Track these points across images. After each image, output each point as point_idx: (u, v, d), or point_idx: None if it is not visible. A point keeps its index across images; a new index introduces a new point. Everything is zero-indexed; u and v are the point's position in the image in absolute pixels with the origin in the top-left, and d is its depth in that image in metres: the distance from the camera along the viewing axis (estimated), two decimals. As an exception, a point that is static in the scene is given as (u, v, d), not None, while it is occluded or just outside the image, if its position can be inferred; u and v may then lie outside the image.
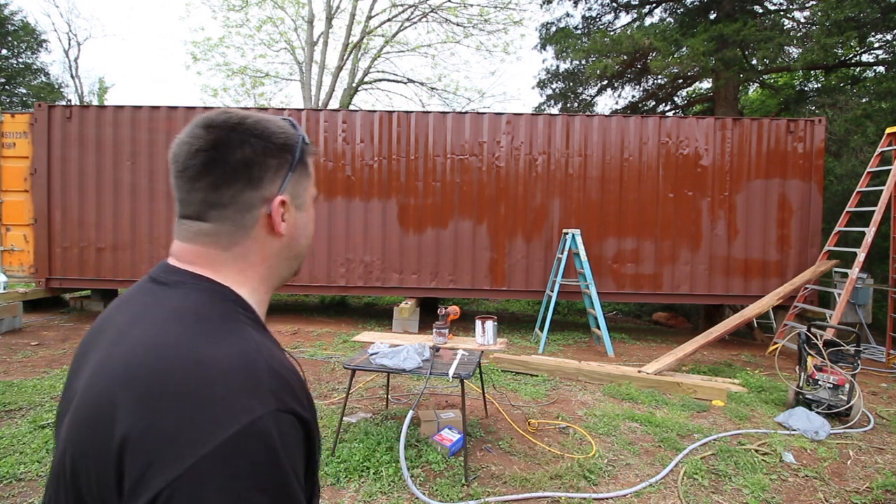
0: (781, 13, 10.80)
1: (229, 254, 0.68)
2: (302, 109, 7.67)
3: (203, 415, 0.50)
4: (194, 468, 0.48)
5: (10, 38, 15.58)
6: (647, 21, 12.04)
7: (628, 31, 10.69)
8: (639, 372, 5.03)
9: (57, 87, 18.05)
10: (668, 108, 14.00)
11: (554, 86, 13.75)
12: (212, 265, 0.67)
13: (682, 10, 11.69)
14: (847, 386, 4.08)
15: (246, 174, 0.66)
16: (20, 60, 16.48)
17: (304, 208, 0.74)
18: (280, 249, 0.72)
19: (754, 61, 10.71)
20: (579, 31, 12.46)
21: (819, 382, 4.20)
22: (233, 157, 0.65)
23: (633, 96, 13.85)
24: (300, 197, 0.73)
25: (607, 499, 2.82)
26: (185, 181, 0.66)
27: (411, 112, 7.61)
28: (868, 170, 6.51)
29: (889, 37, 9.55)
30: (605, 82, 12.94)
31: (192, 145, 0.65)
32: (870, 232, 5.83)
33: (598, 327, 6.33)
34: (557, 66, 13.35)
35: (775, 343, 6.51)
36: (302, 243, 0.75)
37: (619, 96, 13.86)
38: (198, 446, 0.48)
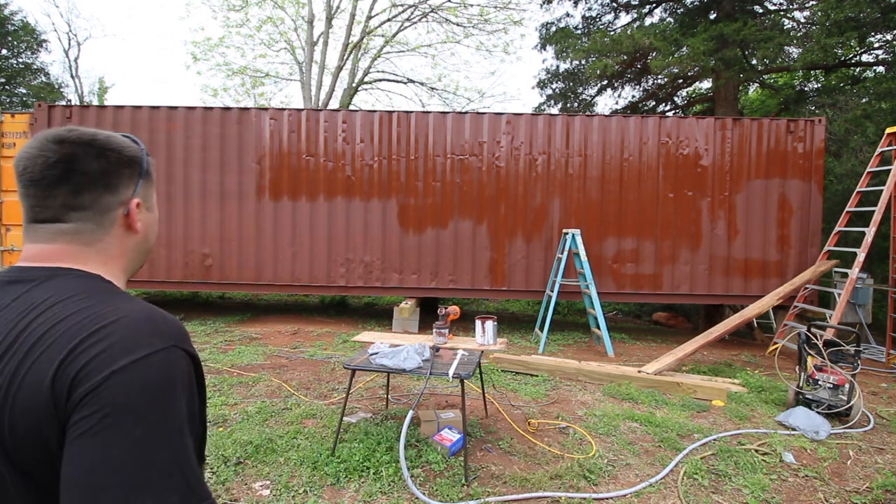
0: (781, 13, 10.80)
1: (92, 248, 0.79)
2: (302, 109, 7.67)
3: (121, 347, 0.66)
4: (110, 377, 0.64)
5: (10, 38, 15.57)
6: (647, 21, 12.04)
7: (628, 31, 10.69)
8: (639, 372, 5.03)
9: (57, 87, 18.04)
10: (668, 108, 14.00)
11: (554, 86, 13.75)
12: (77, 259, 0.78)
13: (682, 10, 11.69)
14: (847, 386, 4.08)
15: (104, 181, 0.78)
16: (20, 60, 16.46)
17: (152, 210, 0.90)
18: (136, 244, 0.86)
19: (754, 61, 10.71)
20: (579, 31, 12.46)
21: (819, 382, 4.20)
22: (91, 167, 0.77)
23: (633, 96, 13.85)
24: (149, 200, 0.88)
25: (607, 499, 2.82)
26: (41, 189, 0.75)
27: (411, 112, 7.61)
28: (868, 170, 6.51)
29: (889, 37, 9.55)
30: (605, 82, 12.94)
31: (47, 158, 0.75)
32: (870, 232, 5.83)
33: (598, 327, 6.33)
34: (557, 66, 13.35)
35: (775, 343, 6.51)
36: (152, 239, 0.91)
37: (619, 96, 13.87)
38: (113, 364, 0.64)
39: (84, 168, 0.76)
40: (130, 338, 0.67)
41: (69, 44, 19.87)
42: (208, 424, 2.81)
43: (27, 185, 0.76)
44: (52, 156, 0.75)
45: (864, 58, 10.45)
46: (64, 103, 10.13)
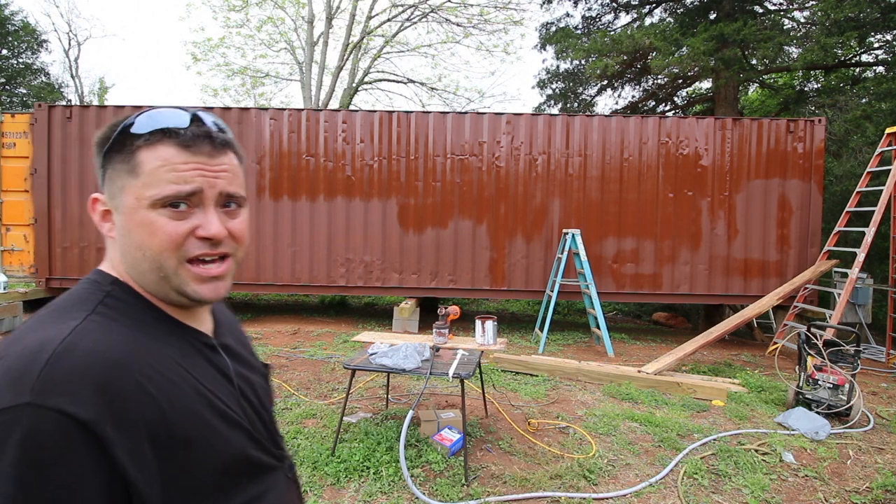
0: (781, 13, 10.80)
1: (110, 250, 0.70)
2: (302, 109, 7.67)
3: None
4: None
5: (10, 38, 15.56)
6: (647, 21, 12.03)
7: (628, 31, 10.69)
8: (639, 372, 5.03)
9: (57, 87, 18.04)
10: (668, 108, 13.99)
11: (554, 86, 13.75)
12: (108, 257, 0.70)
13: (682, 9, 11.68)
14: (847, 386, 4.08)
15: (97, 174, 0.68)
16: (20, 60, 16.46)
17: (120, 211, 0.64)
18: (122, 250, 0.66)
19: (754, 61, 10.71)
20: (579, 31, 12.45)
21: (819, 382, 4.20)
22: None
23: (633, 96, 13.85)
24: (116, 197, 0.64)
25: (607, 499, 2.82)
26: None
27: (411, 112, 7.61)
28: (868, 170, 6.51)
29: (889, 37, 9.54)
30: (605, 82, 12.94)
31: None
32: (870, 232, 5.83)
33: (598, 327, 6.33)
34: (557, 66, 13.35)
35: (775, 343, 6.51)
36: (132, 253, 0.64)
37: (619, 96, 13.86)
38: None
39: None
40: None
41: (69, 44, 19.89)
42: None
43: None
44: None
45: (864, 58, 10.45)
46: (64, 103, 10.13)
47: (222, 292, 0.69)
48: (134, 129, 0.63)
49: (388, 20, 15.23)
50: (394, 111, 7.64)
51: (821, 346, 4.27)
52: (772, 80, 12.49)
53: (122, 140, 0.64)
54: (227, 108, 7.77)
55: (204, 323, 0.76)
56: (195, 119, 0.66)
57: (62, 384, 0.51)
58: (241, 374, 0.77)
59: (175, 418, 0.59)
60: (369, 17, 14.96)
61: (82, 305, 0.62)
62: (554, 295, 6.59)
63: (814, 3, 9.86)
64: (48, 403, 0.50)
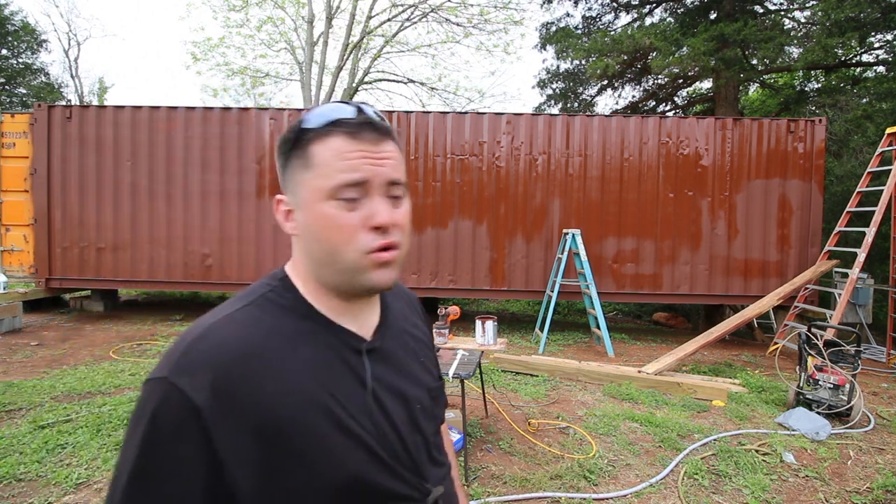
0: (782, 13, 10.79)
1: (294, 248, 0.73)
2: (302, 109, 7.67)
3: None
4: None
5: (10, 38, 15.57)
6: (648, 21, 12.03)
7: (629, 31, 10.68)
8: (639, 372, 5.03)
9: (57, 87, 18.04)
10: (668, 108, 13.99)
11: (554, 86, 13.74)
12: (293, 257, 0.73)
13: (682, 9, 11.68)
14: (847, 386, 4.07)
15: (280, 176, 0.70)
16: (20, 60, 16.46)
17: (300, 206, 0.66)
18: (303, 251, 0.69)
19: (754, 61, 10.70)
20: (579, 31, 12.45)
21: (819, 382, 4.19)
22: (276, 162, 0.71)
23: (634, 96, 13.84)
24: (296, 194, 0.67)
25: (607, 499, 2.81)
26: None
27: (411, 112, 7.60)
28: (868, 170, 6.50)
29: (889, 37, 9.53)
30: (605, 82, 12.93)
31: None
32: (870, 232, 5.82)
33: (599, 327, 6.33)
34: (558, 66, 13.34)
35: (775, 343, 6.51)
36: (313, 248, 0.67)
37: (619, 96, 13.85)
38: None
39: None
40: (161, 358, 0.62)
41: (69, 44, 19.90)
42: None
43: None
44: None
45: (865, 58, 10.44)
46: (64, 103, 10.13)
47: (392, 279, 0.69)
48: (305, 125, 0.66)
49: (388, 20, 15.24)
50: (394, 111, 7.64)
51: (821, 346, 4.27)
52: (772, 80, 12.49)
53: (297, 137, 0.66)
54: (227, 108, 7.76)
55: (366, 320, 0.73)
56: (359, 110, 0.68)
57: (188, 366, 0.57)
58: (392, 384, 0.70)
59: (284, 424, 0.57)
60: (369, 17, 14.96)
61: (245, 297, 0.68)
62: (554, 295, 6.58)
63: (814, 3, 9.85)
64: (177, 382, 0.56)
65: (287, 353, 0.62)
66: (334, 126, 0.65)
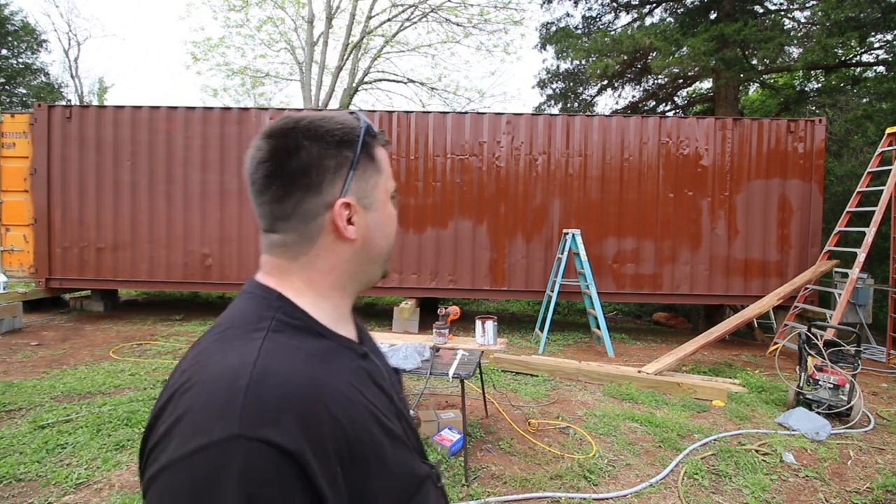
0: (782, 13, 10.80)
1: (297, 263, 0.66)
2: (302, 109, 7.66)
3: (177, 428, 0.50)
4: (154, 475, 0.49)
5: (10, 38, 15.57)
6: (648, 21, 12.04)
7: (629, 31, 10.69)
8: (639, 372, 5.03)
9: (57, 87, 18.05)
10: (668, 108, 13.99)
11: (554, 86, 13.74)
12: (280, 275, 0.66)
13: (682, 9, 11.68)
14: (847, 386, 4.08)
15: (304, 181, 0.63)
16: (20, 60, 16.47)
17: (374, 207, 0.68)
18: (353, 255, 0.67)
19: (754, 61, 10.70)
20: (579, 31, 12.45)
21: (819, 382, 4.19)
22: (289, 166, 0.63)
23: (634, 96, 13.85)
24: (368, 196, 0.67)
25: (607, 499, 2.81)
26: (254, 195, 0.67)
27: (411, 112, 7.60)
28: (868, 170, 6.50)
29: (889, 37, 9.54)
30: (605, 82, 12.94)
31: (255, 158, 0.66)
32: (870, 232, 5.82)
33: (599, 327, 6.33)
34: (558, 66, 13.35)
35: (775, 343, 6.51)
36: (379, 245, 0.70)
37: (619, 96, 13.86)
38: (161, 457, 0.49)
39: (283, 167, 0.64)
40: (196, 413, 0.50)
41: (69, 44, 19.92)
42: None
43: (249, 191, 0.68)
44: (258, 154, 0.66)
45: (865, 58, 10.45)
46: (64, 103, 10.13)
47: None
48: (373, 130, 0.70)
49: (388, 20, 15.25)
50: (394, 111, 7.64)
51: (821, 346, 4.27)
52: (772, 80, 12.49)
53: (368, 141, 0.68)
54: (227, 108, 7.76)
55: (348, 325, 0.72)
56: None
57: (267, 414, 0.50)
58: (387, 380, 0.72)
59: (355, 441, 0.56)
60: (369, 17, 14.97)
61: (256, 322, 0.60)
62: (554, 295, 6.59)
63: (814, 3, 9.86)
64: (258, 435, 0.48)
65: (330, 373, 0.60)
66: (381, 135, 0.71)
